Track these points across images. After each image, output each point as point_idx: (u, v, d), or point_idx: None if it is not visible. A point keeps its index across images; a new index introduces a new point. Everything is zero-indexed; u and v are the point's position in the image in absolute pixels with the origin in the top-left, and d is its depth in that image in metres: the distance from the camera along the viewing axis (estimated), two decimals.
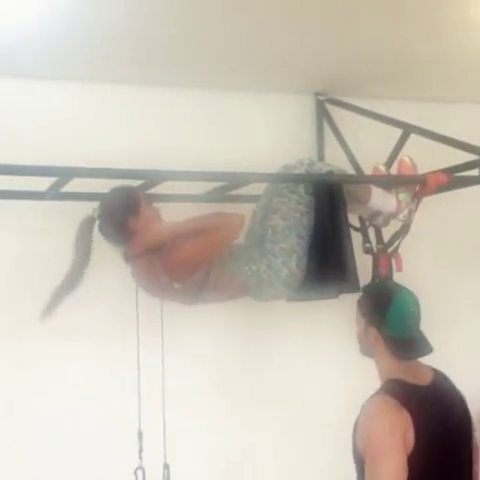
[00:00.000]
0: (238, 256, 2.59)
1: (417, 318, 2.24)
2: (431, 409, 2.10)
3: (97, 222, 2.53)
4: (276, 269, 2.57)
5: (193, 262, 2.48)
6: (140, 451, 2.76)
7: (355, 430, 2.14)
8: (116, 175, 2.49)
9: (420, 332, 2.24)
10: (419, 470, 2.01)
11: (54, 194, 2.60)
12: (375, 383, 3.17)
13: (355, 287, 2.65)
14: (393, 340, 2.18)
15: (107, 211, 2.52)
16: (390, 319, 2.19)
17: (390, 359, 2.18)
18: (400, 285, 2.33)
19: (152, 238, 2.50)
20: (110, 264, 2.80)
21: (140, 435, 2.76)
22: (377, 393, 2.15)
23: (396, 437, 2.00)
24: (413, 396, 2.10)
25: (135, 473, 2.75)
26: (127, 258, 2.57)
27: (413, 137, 2.90)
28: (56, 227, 2.87)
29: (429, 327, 3.18)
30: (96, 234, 2.55)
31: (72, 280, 2.49)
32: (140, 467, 2.75)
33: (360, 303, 2.32)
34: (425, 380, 2.19)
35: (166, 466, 2.79)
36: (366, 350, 2.28)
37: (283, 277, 2.58)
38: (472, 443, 2.21)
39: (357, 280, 2.64)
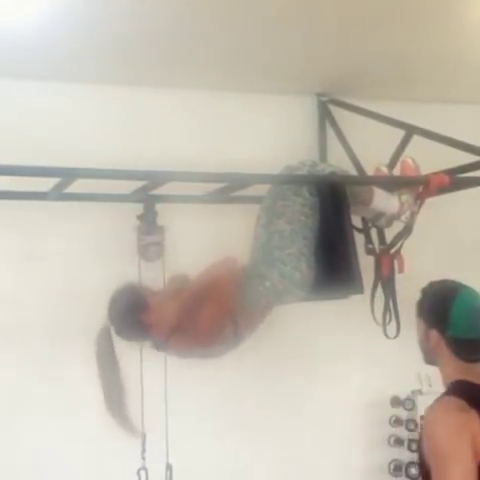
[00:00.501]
0: (250, 280, 2.60)
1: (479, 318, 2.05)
2: None
3: (112, 330, 2.54)
4: (289, 276, 2.57)
5: (215, 323, 2.49)
6: (143, 451, 2.76)
7: (420, 440, 2.01)
8: (119, 176, 2.50)
9: None
10: None
11: (57, 195, 2.60)
12: (376, 386, 3.20)
13: (359, 289, 2.65)
14: (457, 342, 2.01)
15: (119, 317, 2.53)
16: (453, 319, 2.01)
17: (455, 363, 2.02)
18: (461, 283, 2.12)
19: (166, 323, 2.51)
20: (112, 267, 2.82)
21: (143, 436, 2.77)
22: (441, 396, 2.01)
23: (463, 439, 1.86)
24: None
25: (138, 473, 2.76)
26: (158, 348, 2.59)
27: (415, 138, 2.90)
28: (59, 227, 2.88)
29: None
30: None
31: (116, 392, 2.50)
32: (143, 467, 2.76)
33: (419, 305, 2.13)
34: None
35: (169, 466, 2.80)
36: (429, 358, 2.09)
37: (297, 281, 2.58)
38: None
39: (361, 282, 2.64)
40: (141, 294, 2.56)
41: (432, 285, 2.18)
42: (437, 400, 2.00)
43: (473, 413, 1.90)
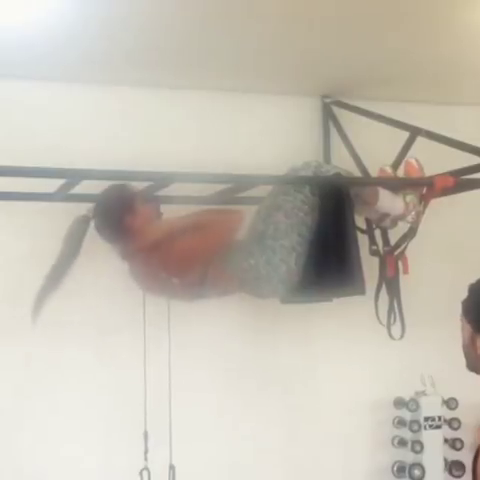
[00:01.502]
0: (237, 251, 2.60)
1: None
2: None
3: (92, 221, 2.52)
4: (275, 265, 2.57)
5: (192, 256, 2.48)
6: (145, 452, 2.77)
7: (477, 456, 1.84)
8: (124, 177, 2.51)
9: None
10: None
11: (63, 196, 2.61)
12: (379, 387, 3.20)
13: (361, 290, 2.65)
14: None
15: (103, 210, 2.52)
16: None
17: None
18: None
19: (149, 235, 2.49)
20: (116, 261, 2.82)
21: (146, 436, 2.77)
22: None
23: None
24: None
25: (140, 474, 2.76)
26: (124, 256, 2.56)
27: (419, 139, 2.90)
28: (64, 228, 2.88)
29: (435, 328, 3.22)
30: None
31: (57, 275, 2.47)
32: (145, 468, 2.76)
33: (465, 305, 1.92)
34: None
35: (172, 467, 2.80)
36: (473, 365, 1.90)
37: (281, 274, 2.57)
38: None
39: (363, 283, 2.64)
40: (133, 197, 2.52)
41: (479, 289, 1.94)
42: None
43: None
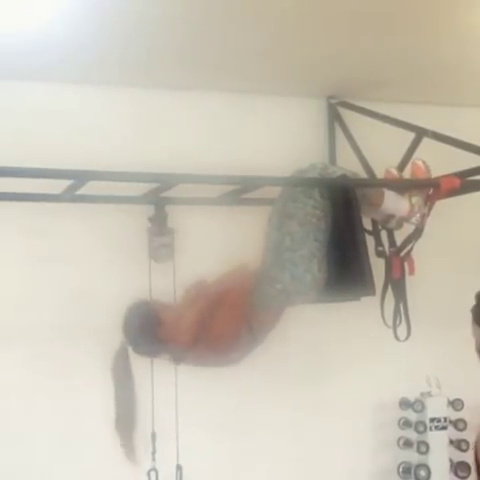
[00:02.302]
0: (262, 283, 2.62)
1: None
2: None
3: (130, 348, 2.58)
4: (300, 278, 2.58)
5: (229, 330, 2.54)
6: (153, 452, 2.78)
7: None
8: (131, 178, 2.51)
9: None
10: None
11: (70, 196, 2.62)
12: (385, 388, 3.20)
13: (371, 291, 2.66)
14: None
15: (134, 334, 2.57)
16: None
17: None
18: None
19: (184, 334, 2.53)
20: (122, 263, 2.83)
21: (153, 436, 2.78)
22: None
23: None
24: None
25: (148, 474, 2.78)
26: (177, 360, 2.62)
27: (425, 141, 2.90)
28: (71, 229, 2.89)
29: (441, 330, 3.22)
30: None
31: (129, 412, 2.56)
32: (153, 468, 2.77)
33: (475, 312, 2.07)
34: None
35: (179, 467, 2.81)
36: None
37: (308, 283, 2.59)
38: None
39: (373, 284, 2.65)
40: (154, 309, 2.59)
41: None
42: None
43: None
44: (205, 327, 2.50)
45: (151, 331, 2.54)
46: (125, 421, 2.55)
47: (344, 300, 2.79)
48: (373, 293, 2.67)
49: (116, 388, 2.57)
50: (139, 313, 2.57)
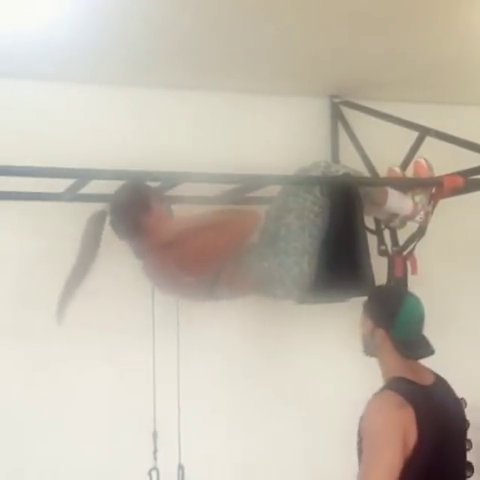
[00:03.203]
0: (251, 253, 2.60)
1: (422, 322, 2.39)
2: (434, 407, 2.22)
3: (108, 217, 2.53)
4: (288, 268, 2.57)
5: (206, 255, 2.49)
6: (155, 451, 2.77)
7: (360, 424, 2.24)
8: (133, 177, 2.51)
9: (424, 335, 2.38)
10: (423, 464, 2.14)
11: (72, 196, 2.62)
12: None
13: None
14: (401, 341, 2.31)
15: (118, 207, 2.52)
16: (399, 322, 2.32)
17: (397, 359, 2.31)
18: (408, 290, 2.48)
19: (164, 233, 2.50)
20: (125, 260, 2.82)
21: (155, 435, 2.77)
22: (382, 390, 2.27)
23: (397, 433, 2.11)
24: (417, 394, 2.22)
25: (149, 474, 2.76)
26: (138, 254, 2.57)
27: (428, 139, 2.90)
28: (72, 229, 2.88)
29: (443, 329, 3.21)
30: (107, 229, 2.55)
31: (78, 274, 2.49)
32: (154, 468, 2.76)
33: (367, 306, 2.42)
34: (427, 381, 2.32)
35: (181, 467, 2.80)
36: (371, 351, 2.39)
37: (294, 276, 2.58)
38: (466, 446, 2.40)
39: (373, 283, 2.64)
40: (148, 195, 2.52)
41: (381, 289, 2.51)
42: (379, 392, 2.25)
43: (409, 408, 2.14)
44: (186, 237, 2.45)
45: (134, 212, 2.48)
46: (73, 281, 2.48)
47: (330, 301, 2.79)
48: None
49: (81, 249, 2.50)
50: (131, 191, 2.51)
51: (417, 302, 2.39)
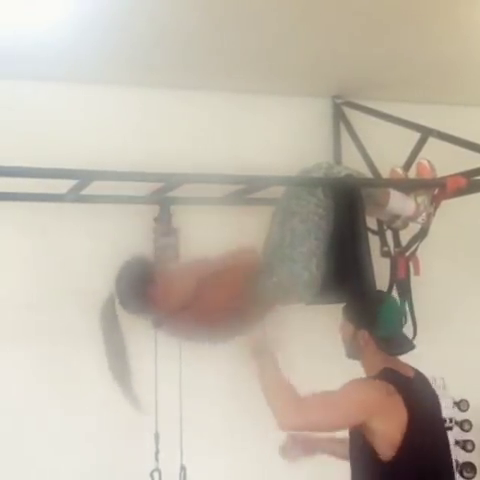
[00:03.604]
0: (260, 274, 2.60)
1: (401, 320, 2.56)
2: (420, 396, 2.35)
3: (117, 300, 2.55)
4: (297, 274, 2.57)
5: (221, 306, 2.51)
6: (156, 453, 2.77)
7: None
8: (136, 178, 2.51)
9: (403, 332, 2.52)
10: (413, 452, 2.22)
11: (75, 197, 2.62)
12: None
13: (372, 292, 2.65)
14: (383, 340, 2.41)
15: (124, 286, 2.54)
16: (381, 321, 2.43)
17: (380, 357, 2.41)
18: (385, 292, 2.62)
19: (175, 299, 2.51)
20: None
21: (157, 437, 2.77)
22: (372, 378, 2.37)
23: (377, 403, 2.24)
24: (405, 383, 2.32)
25: (151, 475, 2.76)
26: (155, 324, 2.59)
27: (431, 140, 2.89)
28: (75, 229, 2.89)
29: (447, 330, 3.21)
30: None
31: (120, 358, 2.53)
32: (156, 469, 2.76)
33: (347, 310, 2.51)
34: (410, 373, 2.42)
35: (183, 468, 2.80)
36: (354, 353, 2.48)
37: (305, 281, 2.58)
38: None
39: (374, 285, 2.63)
40: (149, 267, 2.55)
41: (359, 295, 2.52)
42: (368, 379, 2.37)
43: (398, 398, 2.24)
44: (197, 296, 2.46)
45: (141, 287, 2.49)
46: (120, 371, 2.51)
47: (339, 302, 2.78)
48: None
49: (105, 340, 2.52)
50: (134, 267, 2.53)
51: (394, 301, 2.52)
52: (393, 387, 2.27)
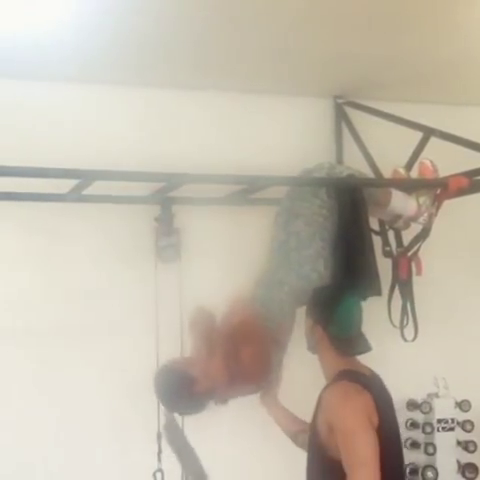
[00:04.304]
0: (270, 289, 2.61)
1: (360, 321, 2.47)
2: (382, 393, 2.37)
3: (175, 417, 2.60)
4: (306, 277, 2.58)
5: (262, 359, 2.51)
6: (159, 453, 2.77)
7: (316, 416, 2.34)
8: (138, 178, 2.52)
9: (361, 333, 2.46)
10: (386, 445, 2.22)
11: (76, 196, 2.62)
12: (392, 389, 3.17)
13: (377, 291, 2.65)
14: (337, 338, 2.41)
15: (173, 400, 2.54)
16: (336, 320, 2.41)
17: (334, 355, 2.40)
18: (347, 290, 2.53)
19: (216, 381, 2.49)
20: (123, 264, 2.82)
21: (159, 437, 2.77)
22: (336, 381, 2.34)
23: (366, 415, 2.22)
24: (368, 382, 2.34)
25: (154, 475, 2.76)
26: (223, 403, 2.60)
27: (433, 140, 2.89)
28: (77, 229, 2.89)
29: (448, 330, 3.21)
30: None
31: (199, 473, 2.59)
32: (159, 469, 2.76)
33: (308, 304, 2.52)
34: (367, 372, 2.42)
35: None
36: (312, 347, 2.49)
37: (314, 281, 2.59)
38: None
39: (379, 283, 2.64)
40: (181, 370, 2.51)
41: (322, 289, 2.54)
42: (334, 383, 2.33)
43: (368, 395, 2.26)
44: (235, 364, 2.45)
45: (187, 391, 2.48)
46: (199, 476, 2.58)
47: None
48: (379, 293, 2.66)
49: (180, 458, 2.59)
50: (169, 379, 2.50)
51: (355, 302, 2.48)
52: (359, 385, 2.28)
